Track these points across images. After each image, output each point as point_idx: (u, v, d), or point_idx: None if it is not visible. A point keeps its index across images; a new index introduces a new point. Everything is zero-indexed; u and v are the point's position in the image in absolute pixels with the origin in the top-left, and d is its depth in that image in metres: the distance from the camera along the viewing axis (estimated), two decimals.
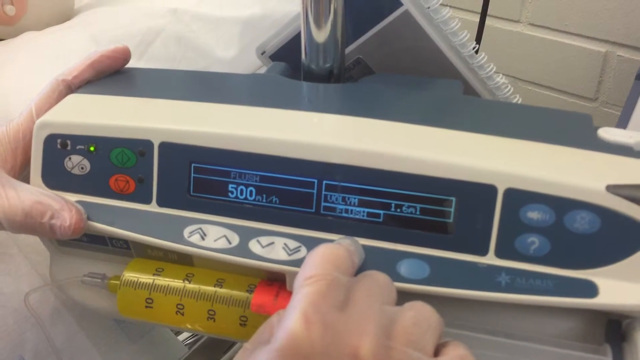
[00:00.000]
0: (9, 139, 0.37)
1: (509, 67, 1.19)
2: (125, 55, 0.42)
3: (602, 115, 1.06)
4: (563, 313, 0.34)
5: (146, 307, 0.36)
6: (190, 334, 0.66)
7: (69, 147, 0.36)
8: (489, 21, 1.13)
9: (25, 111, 0.38)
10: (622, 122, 0.69)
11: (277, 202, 0.34)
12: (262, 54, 0.47)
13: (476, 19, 1.01)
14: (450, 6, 1.18)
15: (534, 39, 1.13)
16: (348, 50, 0.45)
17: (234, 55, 0.73)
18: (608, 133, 0.35)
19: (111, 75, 0.42)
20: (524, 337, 0.33)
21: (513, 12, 1.13)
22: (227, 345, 0.46)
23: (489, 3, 1.08)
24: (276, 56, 0.47)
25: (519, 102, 0.44)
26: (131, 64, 0.44)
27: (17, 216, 0.34)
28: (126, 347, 0.50)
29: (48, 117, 0.36)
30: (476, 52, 0.42)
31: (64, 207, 0.35)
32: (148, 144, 0.35)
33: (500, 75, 0.42)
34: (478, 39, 0.81)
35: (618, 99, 1.00)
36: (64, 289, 0.40)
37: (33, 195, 0.35)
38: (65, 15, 0.74)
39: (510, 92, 0.43)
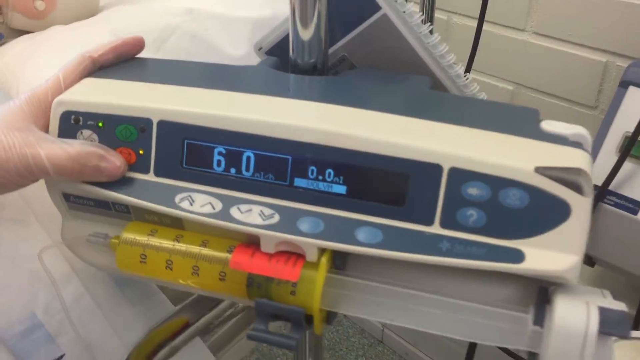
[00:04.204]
0: (38, 99, 0.42)
1: (513, 74, 1.22)
2: (141, 44, 0.48)
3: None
4: (503, 280, 0.38)
5: (140, 262, 0.41)
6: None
7: (80, 122, 0.42)
8: (495, 29, 1.17)
9: (53, 77, 0.43)
10: (604, 128, 0.73)
11: (256, 175, 0.39)
12: (259, 49, 0.52)
13: (474, 23, 1.05)
14: (453, 12, 1.22)
15: (539, 48, 1.17)
16: (334, 48, 0.50)
17: (244, 53, 0.79)
18: (549, 125, 0.39)
19: (125, 62, 0.48)
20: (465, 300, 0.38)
21: (518, 21, 1.17)
22: (212, 304, 0.51)
23: (495, 12, 1.12)
24: (271, 52, 0.52)
25: (484, 98, 0.48)
26: (147, 57, 0.49)
27: (60, 160, 0.39)
28: (126, 309, 0.55)
29: (64, 96, 0.42)
30: (447, 52, 0.47)
31: (109, 152, 0.40)
32: (148, 121, 0.41)
33: (468, 74, 0.47)
34: (475, 44, 0.85)
35: None
36: (72, 247, 0.46)
37: (77, 143, 0.40)
38: (90, 12, 0.80)
39: (477, 89, 0.47)
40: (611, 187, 0.70)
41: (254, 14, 0.81)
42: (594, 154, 0.73)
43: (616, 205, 0.70)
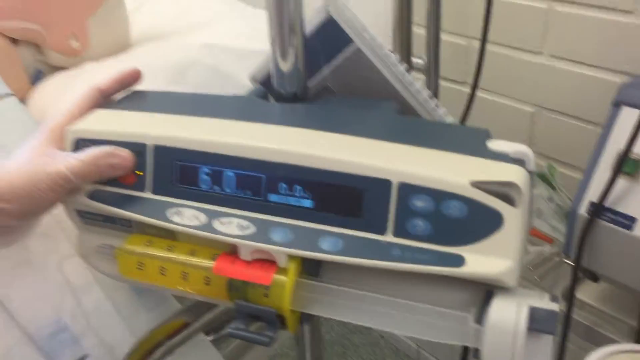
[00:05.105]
0: (56, 128, 0.49)
1: (533, 96, 1.24)
2: (138, 75, 0.55)
3: None
4: (457, 285, 0.43)
5: (138, 269, 0.47)
6: None
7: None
8: (512, 53, 1.21)
9: (67, 108, 0.51)
10: (600, 146, 0.75)
11: (236, 191, 0.45)
12: (254, 80, 0.58)
13: (495, 49, 1.09)
14: (473, 37, 1.25)
15: (556, 70, 1.19)
16: (317, 79, 0.55)
17: None
18: (494, 144, 0.43)
19: (129, 95, 0.54)
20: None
21: (534, 44, 1.20)
22: (210, 307, 0.57)
23: (512, 36, 1.16)
24: (264, 82, 0.57)
25: (452, 121, 0.53)
26: (168, 89, 0.56)
27: (77, 167, 0.46)
28: (143, 314, 0.62)
29: (75, 126, 0.49)
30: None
31: (116, 149, 0.47)
32: (144, 146, 0.47)
33: (436, 100, 0.52)
34: (479, 66, 0.89)
35: None
36: (85, 257, 0.52)
37: (89, 150, 0.47)
38: (120, 49, 0.88)
39: (444, 113, 0.52)
40: (607, 203, 0.73)
41: (266, 47, 0.88)
42: (591, 172, 0.76)
43: (612, 221, 0.73)
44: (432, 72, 0.91)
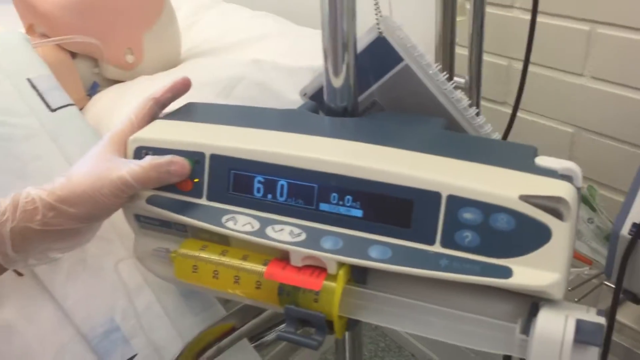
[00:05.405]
0: (118, 137, 0.52)
1: (573, 117, 1.24)
2: (188, 83, 0.57)
3: None
4: (504, 297, 0.43)
5: (192, 272, 0.49)
6: None
7: (149, 155, 0.51)
8: (553, 74, 1.21)
9: (126, 118, 0.53)
10: None
11: (288, 200, 0.47)
12: (304, 95, 0.61)
13: (536, 70, 1.10)
14: (514, 58, 1.26)
15: (597, 92, 1.19)
16: (366, 94, 0.57)
17: None
18: (542, 160, 0.44)
19: (185, 107, 0.57)
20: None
21: (576, 66, 1.20)
22: (256, 312, 0.59)
23: (553, 58, 1.16)
24: (313, 97, 0.60)
25: (498, 137, 0.54)
26: (204, 102, 0.59)
27: (138, 173, 0.48)
28: (190, 317, 0.64)
29: (137, 135, 0.52)
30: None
31: (174, 157, 0.49)
32: (202, 155, 0.49)
33: (482, 116, 0.53)
34: (521, 86, 0.90)
35: None
36: (141, 260, 0.55)
37: (148, 158, 0.49)
38: (172, 64, 0.92)
39: (490, 129, 0.53)
40: None
41: (315, 63, 0.90)
42: (634, 193, 0.75)
43: None
44: (474, 91, 0.92)
